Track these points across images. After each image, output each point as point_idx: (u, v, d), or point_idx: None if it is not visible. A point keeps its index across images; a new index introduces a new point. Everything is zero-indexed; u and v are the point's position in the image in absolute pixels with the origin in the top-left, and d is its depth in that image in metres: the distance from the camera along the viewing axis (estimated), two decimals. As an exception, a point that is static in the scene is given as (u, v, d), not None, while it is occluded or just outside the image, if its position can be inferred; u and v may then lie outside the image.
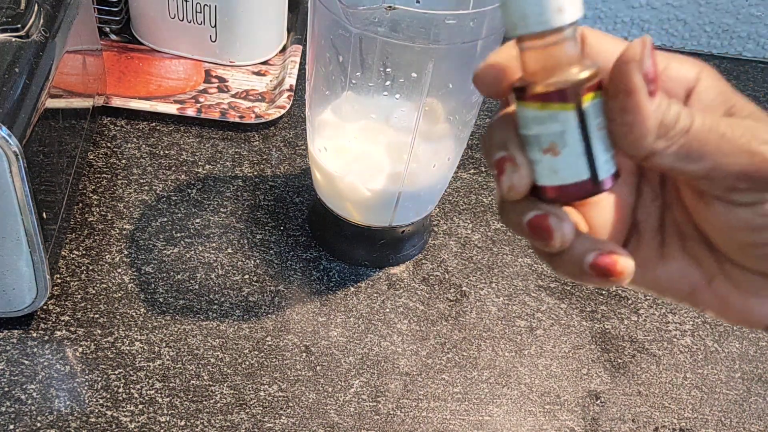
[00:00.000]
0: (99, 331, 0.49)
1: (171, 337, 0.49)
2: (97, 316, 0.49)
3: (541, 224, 0.25)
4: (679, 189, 0.28)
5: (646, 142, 0.24)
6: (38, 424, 0.44)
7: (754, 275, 0.26)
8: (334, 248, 0.56)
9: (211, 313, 0.51)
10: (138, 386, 0.46)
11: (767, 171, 0.23)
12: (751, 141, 0.23)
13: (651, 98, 0.23)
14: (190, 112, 0.64)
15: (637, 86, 0.23)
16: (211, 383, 0.47)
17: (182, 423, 0.45)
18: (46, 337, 0.48)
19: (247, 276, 0.53)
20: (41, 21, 0.46)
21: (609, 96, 0.24)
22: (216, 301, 0.51)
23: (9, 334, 0.48)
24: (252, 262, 0.54)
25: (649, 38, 0.24)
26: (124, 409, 0.45)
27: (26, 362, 0.47)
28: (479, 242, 0.59)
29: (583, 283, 0.28)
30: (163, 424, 0.45)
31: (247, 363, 0.48)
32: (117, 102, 0.63)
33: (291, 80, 0.68)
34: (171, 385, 0.47)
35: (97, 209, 0.56)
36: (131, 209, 0.56)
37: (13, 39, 0.44)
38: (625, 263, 0.25)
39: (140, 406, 0.45)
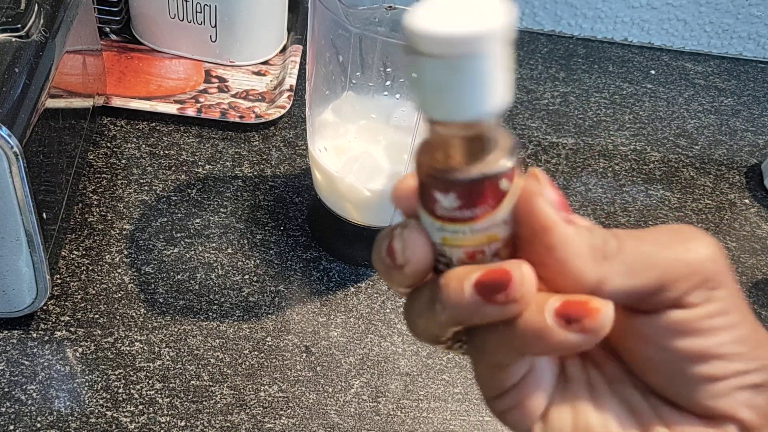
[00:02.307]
0: (99, 332, 0.49)
1: (171, 338, 0.49)
2: (97, 316, 0.49)
3: (495, 275, 0.22)
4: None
5: (589, 271, 0.22)
6: (38, 425, 0.44)
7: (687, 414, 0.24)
8: (334, 248, 0.56)
9: (211, 314, 0.51)
10: (138, 387, 0.46)
11: (712, 262, 0.22)
12: (687, 239, 0.22)
13: (569, 226, 0.22)
14: (190, 112, 0.64)
15: (553, 218, 0.22)
16: (211, 384, 0.47)
17: (182, 423, 0.45)
18: (46, 338, 0.48)
19: (247, 276, 0.53)
20: (41, 21, 0.46)
21: (526, 242, 0.22)
22: (216, 302, 0.51)
23: (9, 334, 0.48)
24: (252, 262, 0.54)
25: (539, 170, 0.23)
26: (124, 410, 0.45)
27: (26, 363, 0.47)
28: (479, 242, 0.59)
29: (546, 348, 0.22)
30: (163, 425, 0.45)
31: (247, 363, 0.48)
32: (117, 102, 0.63)
33: (291, 80, 0.68)
34: (171, 385, 0.47)
35: (97, 209, 0.56)
36: (131, 209, 0.56)
37: (13, 39, 0.44)
38: (601, 304, 0.22)
39: (140, 407, 0.45)
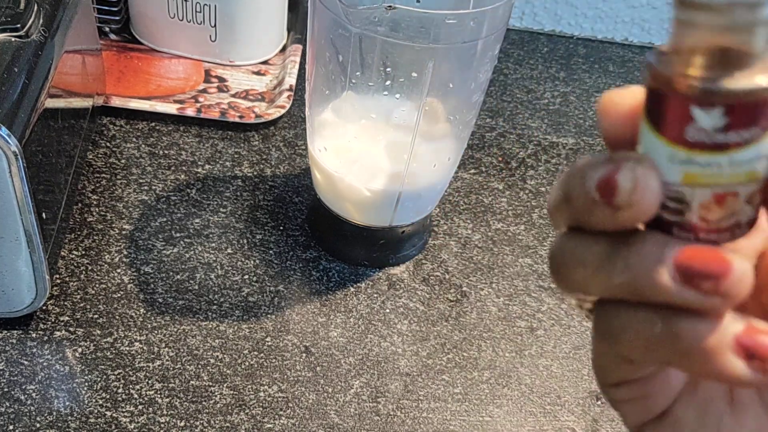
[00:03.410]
0: (98, 332, 0.49)
1: (170, 338, 0.49)
2: (96, 316, 0.49)
3: (712, 259, 0.17)
4: None
5: None
6: (37, 425, 0.44)
7: None
8: (333, 248, 0.56)
9: (210, 314, 0.51)
10: (137, 387, 0.46)
11: None
12: None
13: None
14: (190, 111, 0.64)
15: None
16: (210, 384, 0.47)
17: (182, 423, 0.45)
18: (46, 338, 0.48)
19: (246, 276, 0.53)
20: (41, 21, 0.46)
21: None
22: (215, 302, 0.51)
23: (8, 334, 0.48)
24: (252, 262, 0.54)
25: None
26: (124, 410, 0.45)
27: (25, 362, 0.46)
28: (479, 242, 0.59)
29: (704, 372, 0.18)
30: (162, 425, 0.45)
31: (247, 363, 0.48)
32: (116, 102, 0.63)
33: (291, 80, 0.68)
34: (170, 385, 0.47)
35: (97, 209, 0.56)
36: (130, 209, 0.56)
37: (13, 39, 0.44)
38: None
39: (140, 407, 0.45)
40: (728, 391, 0.21)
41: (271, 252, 0.55)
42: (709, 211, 0.18)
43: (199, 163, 0.61)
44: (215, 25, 0.67)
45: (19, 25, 0.44)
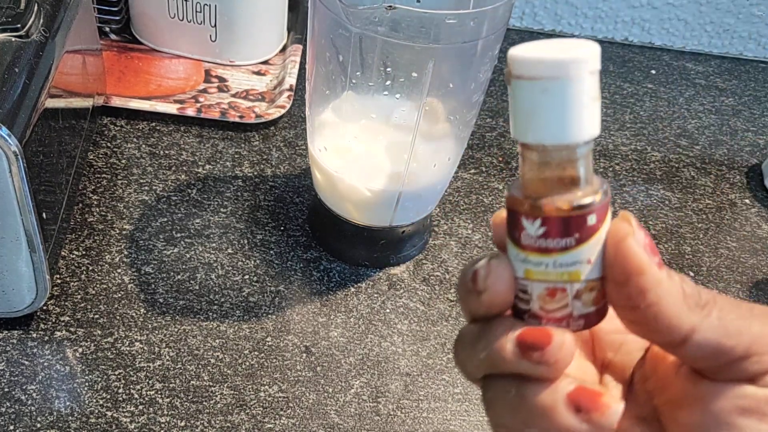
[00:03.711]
0: (99, 332, 0.49)
1: (171, 338, 0.49)
2: (97, 316, 0.49)
3: (537, 334, 0.22)
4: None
5: (682, 316, 0.21)
6: (38, 425, 0.44)
7: None
8: (334, 248, 0.56)
9: (211, 314, 0.51)
10: (138, 387, 0.46)
11: None
12: None
13: (661, 270, 0.22)
14: (190, 111, 0.64)
15: (646, 261, 0.21)
16: (211, 384, 0.47)
17: (182, 424, 0.45)
18: (46, 338, 0.48)
19: (247, 276, 0.53)
20: (41, 21, 0.46)
21: (617, 285, 0.22)
22: (216, 302, 0.51)
23: (9, 334, 0.48)
24: (252, 262, 0.54)
25: (629, 213, 0.23)
26: (124, 410, 0.45)
27: (26, 363, 0.47)
28: (480, 242, 0.59)
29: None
30: (163, 425, 0.45)
31: (248, 363, 0.48)
32: (117, 102, 0.63)
33: (291, 80, 0.68)
34: (171, 385, 0.47)
35: (97, 209, 0.56)
36: (131, 209, 0.56)
37: (13, 39, 0.44)
38: (613, 401, 0.22)
39: (140, 407, 0.45)
40: None
41: (271, 252, 0.55)
42: (545, 302, 0.23)
43: (200, 163, 0.61)
44: (215, 25, 0.67)
45: (19, 25, 0.44)
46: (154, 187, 0.58)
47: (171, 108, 0.63)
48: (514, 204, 0.23)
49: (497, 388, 0.24)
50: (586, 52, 0.21)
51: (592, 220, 0.22)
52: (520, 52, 0.21)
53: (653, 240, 0.23)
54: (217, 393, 0.47)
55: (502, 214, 0.24)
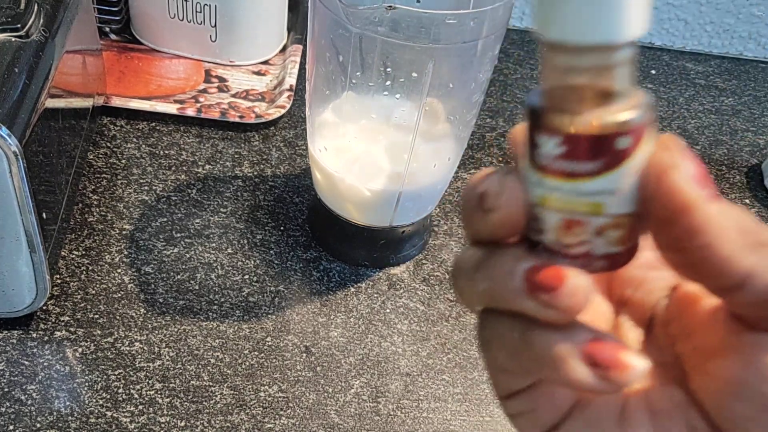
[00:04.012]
0: (99, 332, 0.49)
1: (171, 338, 0.49)
2: (96, 316, 0.49)
3: (548, 272, 0.19)
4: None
5: (740, 258, 0.18)
6: (38, 425, 0.44)
7: None
8: (334, 248, 0.56)
9: (211, 314, 0.51)
10: (138, 387, 0.46)
11: None
12: None
13: (714, 204, 0.18)
14: (190, 111, 0.64)
15: (695, 195, 0.18)
16: (211, 384, 0.47)
17: (182, 424, 0.45)
18: (46, 338, 0.48)
19: (247, 276, 0.53)
20: (41, 21, 0.46)
21: (661, 224, 0.19)
22: (216, 302, 0.51)
23: (9, 334, 0.48)
24: (252, 262, 0.54)
25: (673, 137, 0.19)
26: (124, 410, 0.45)
27: (26, 363, 0.47)
28: (480, 242, 0.59)
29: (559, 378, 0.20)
30: (163, 425, 0.45)
31: (247, 363, 0.48)
32: (117, 102, 0.63)
33: (291, 80, 0.68)
34: (171, 385, 0.47)
35: (97, 209, 0.56)
36: (131, 209, 0.56)
37: (13, 39, 0.44)
38: (636, 362, 0.19)
39: (140, 407, 0.45)
40: (619, 410, 0.22)
41: (271, 252, 0.55)
42: (560, 235, 0.20)
43: (200, 163, 0.61)
44: (215, 25, 0.67)
45: (19, 25, 0.44)
46: (154, 187, 0.58)
47: (171, 108, 0.63)
48: (530, 115, 0.19)
49: (498, 326, 0.21)
50: None
51: (624, 142, 0.18)
52: None
53: (704, 167, 0.19)
54: (217, 393, 0.47)
55: (523, 128, 0.21)
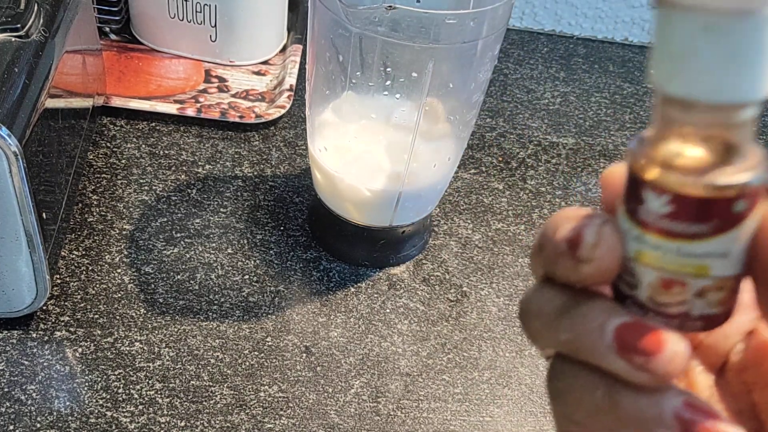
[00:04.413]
0: (99, 332, 0.49)
1: (171, 338, 0.49)
2: (96, 316, 0.49)
3: (646, 335, 0.18)
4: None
5: None
6: (38, 425, 0.44)
7: None
8: (334, 248, 0.56)
9: (211, 314, 0.51)
10: (138, 387, 0.46)
11: None
12: None
13: None
14: (190, 112, 0.64)
15: None
16: (211, 384, 0.47)
17: (182, 424, 0.45)
18: (46, 338, 0.48)
19: (247, 276, 0.53)
20: (41, 21, 0.46)
21: None
22: (216, 302, 0.51)
23: (9, 334, 0.48)
24: (252, 262, 0.54)
25: None
26: (124, 410, 0.45)
27: (26, 363, 0.46)
28: (480, 242, 0.59)
29: None
30: (163, 425, 0.45)
31: (247, 363, 0.48)
32: (117, 102, 0.63)
33: (291, 80, 0.68)
34: (171, 385, 0.47)
35: (97, 209, 0.56)
36: (131, 209, 0.56)
37: (13, 39, 0.44)
38: (727, 425, 0.18)
39: (140, 407, 0.45)
40: None
41: (271, 252, 0.55)
42: (657, 293, 0.18)
43: (200, 163, 0.61)
44: (215, 25, 0.67)
45: (19, 25, 0.44)
46: (154, 187, 0.58)
47: (171, 108, 0.63)
48: (638, 168, 0.18)
49: (577, 379, 0.19)
50: None
51: (739, 206, 0.17)
52: None
53: None
54: (217, 393, 0.47)
55: (620, 170, 0.19)
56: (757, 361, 0.21)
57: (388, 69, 0.47)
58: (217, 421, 0.45)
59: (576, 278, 0.19)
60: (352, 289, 0.54)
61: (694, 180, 0.17)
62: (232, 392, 0.47)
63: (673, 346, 0.18)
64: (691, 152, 0.17)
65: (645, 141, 0.18)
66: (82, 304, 0.50)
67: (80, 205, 0.56)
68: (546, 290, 0.20)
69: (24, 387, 0.45)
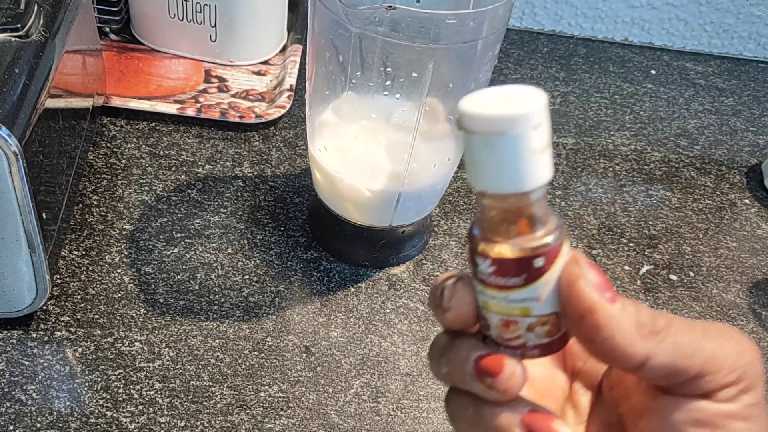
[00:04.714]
0: (99, 332, 0.49)
1: (171, 338, 0.49)
2: (96, 316, 0.49)
3: (491, 362, 0.24)
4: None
5: (636, 346, 0.23)
6: (38, 425, 0.44)
7: None
8: (334, 249, 0.56)
9: (211, 314, 0.51)
10: (138, 387, 0.46)
11: (753, 366, 0.23)
12: (736, 340, 0.24)
13: (614, 305, 0.23)
14: (190, 112, 0.64)
15: (597, 300, 0.23)
16: (211, 384, 0.47)
17: (182, 424, 0.45)
18: (46, 338, 0.48)
19: (247, 276, 0.53)
20: (41, 21, 0.46)
21: (574, 323, 0.24)
22: (216, 302, 0.51)
23: (9, 334, 0.48)
24: (252, 262, 0.54)
25: (580, 254, 0.24)
26: (124, 410, 0.45)
27: (26, 363, 0.47)
28: (480, 242, 0.59)
29: None
30: (163, 425, 0.45)
31: (248, 364, 0.48)
32: (117, 102, 0.63)
33: (291, 80, 0.68)
34: (171, 385, 0.47)
35: (97, 210, 0.56)
36: (131, 210, 0.56)
37: (13, 39, 0.44)
38: (560, 425, 0.24)
39: (140, 407, 0.45)
40: None
41: (271, 252, 0.55)
42: (501, 331, 0.24)
43: (200, 163, 0.61)
44: (215, 25, 0.67)
45: (19, 26, 0.44)
46: (154, 187, 0.58)
47: (171, 108, 0.63)
48: (470, 240, 0.24)
49: (458, 402, 0.26)
50: (529, 108, 0.21)
51: (539, 262, 0.23)
52: (467, 105, 0.22)
53: (605, 275, 0.24)
54: (217, 393, 0.47)
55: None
56: (618, 380, 0.27)
57: (388, 69, 0.48)
58: (217, 421, 0.45)
59: (444, 323, 0.26)
60: (352, 290, 0.54)
61: (504, 246, 0.23)
62: (232, 392, 0.47)
63: (509, 368, 0.24)
64: (501, 227, 0.23)
65: (475, 224, 0.24)
66: (82, 304, 0.50)
67: (80, 205, 0.56)
68: (439, 335, 0.27)
69: (24, 387, 0.45)
